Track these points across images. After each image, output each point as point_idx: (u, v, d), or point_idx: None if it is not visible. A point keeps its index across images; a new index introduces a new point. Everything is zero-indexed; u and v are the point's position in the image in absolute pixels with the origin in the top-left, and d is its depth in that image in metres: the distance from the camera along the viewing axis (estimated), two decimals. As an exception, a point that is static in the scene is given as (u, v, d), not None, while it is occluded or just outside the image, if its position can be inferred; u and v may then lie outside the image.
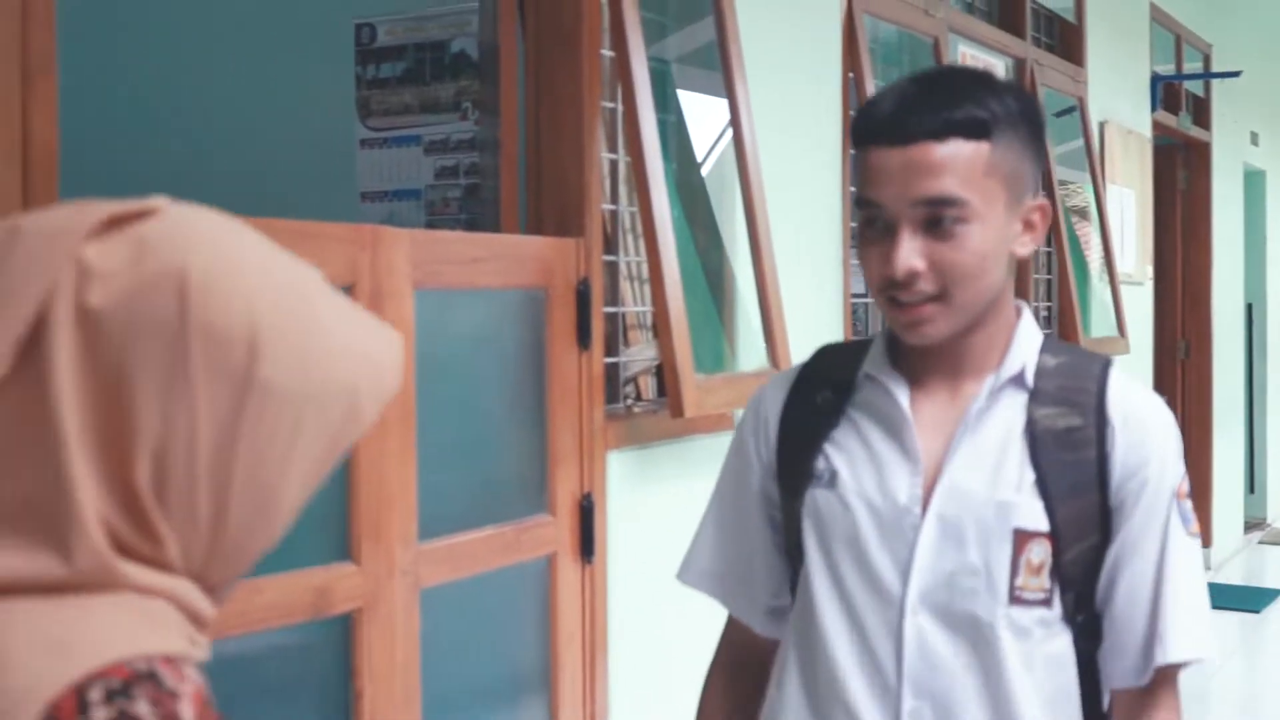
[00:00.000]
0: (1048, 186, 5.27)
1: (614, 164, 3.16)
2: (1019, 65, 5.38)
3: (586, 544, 2.92)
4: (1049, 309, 5.89)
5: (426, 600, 2.49)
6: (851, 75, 3.98)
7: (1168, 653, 1.58)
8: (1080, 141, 6.03)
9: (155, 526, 0.92)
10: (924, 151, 1.50)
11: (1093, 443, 1.58)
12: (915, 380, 1.63)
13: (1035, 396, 1.60)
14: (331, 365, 0.98)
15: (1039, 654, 1.58)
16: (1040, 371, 1.61)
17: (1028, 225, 1.60)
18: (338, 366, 0.98)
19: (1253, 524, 9.34)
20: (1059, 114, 5.88)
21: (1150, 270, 7.23)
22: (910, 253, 1.51)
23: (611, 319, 3.14)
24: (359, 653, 2.34)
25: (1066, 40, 6.07)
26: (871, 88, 3.97)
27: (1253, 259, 9.72)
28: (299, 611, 2.24)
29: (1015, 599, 1.56)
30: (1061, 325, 5.58)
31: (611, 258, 3.15)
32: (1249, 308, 9.69)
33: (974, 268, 1.53)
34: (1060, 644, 1.59)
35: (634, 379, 3.30)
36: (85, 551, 0.90)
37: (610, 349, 3.11)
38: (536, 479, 2.84)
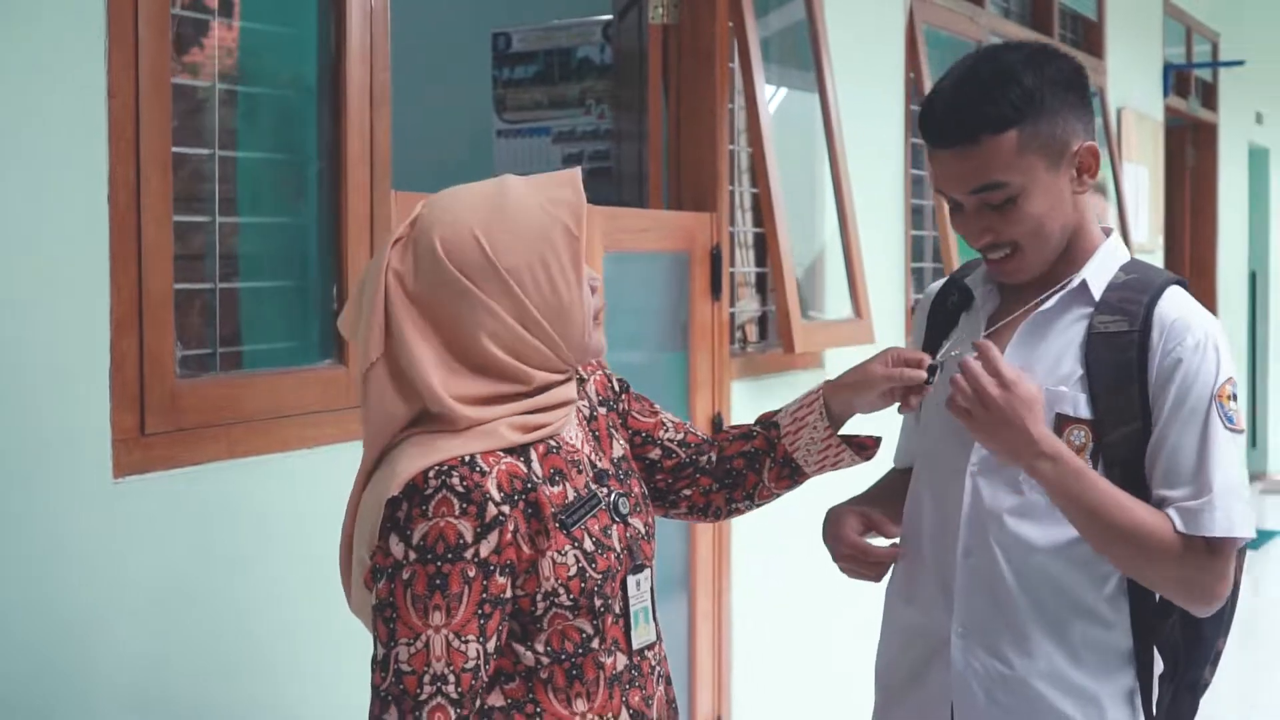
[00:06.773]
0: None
1: (732, 154, 3.92)
2: (1048, 61, 6.08)
3: (717, 452, 3.71)
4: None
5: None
6: (912, 75, 4.77)
7: (1202, 525, 1.76)
8: (1099, 126, 6.73)
9: (522, 372, 1.59)
10: (963, 152, 1.79)
11: (1135, 345, 1.79)
12: (1013, 290, 1.93)
13: (1099, 307, 1.83)
14: (540, 223, 1.57)
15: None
16: (1110, 285, 1.85)
17: (1080, 168, 1.84)
18: (543, 220, 1.57)
19: (1255, 476, 10.08)
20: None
21: (1161, 240, 8.01)
22: (980, 229, 1.84)
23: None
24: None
25: (1089, 36, 6.78)
26: (929, 84, 4.74)
27: (1257, 230, 10.43)
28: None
29: None
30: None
31: (730, 228, 3.92)
32: (1252, 275, 10.40)
33: (1033, 228, 1.82)
34: None
35: (742, 326, 4.08)
36: (445, 415, 1.55)
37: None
38: (681, 398, 3.65)
